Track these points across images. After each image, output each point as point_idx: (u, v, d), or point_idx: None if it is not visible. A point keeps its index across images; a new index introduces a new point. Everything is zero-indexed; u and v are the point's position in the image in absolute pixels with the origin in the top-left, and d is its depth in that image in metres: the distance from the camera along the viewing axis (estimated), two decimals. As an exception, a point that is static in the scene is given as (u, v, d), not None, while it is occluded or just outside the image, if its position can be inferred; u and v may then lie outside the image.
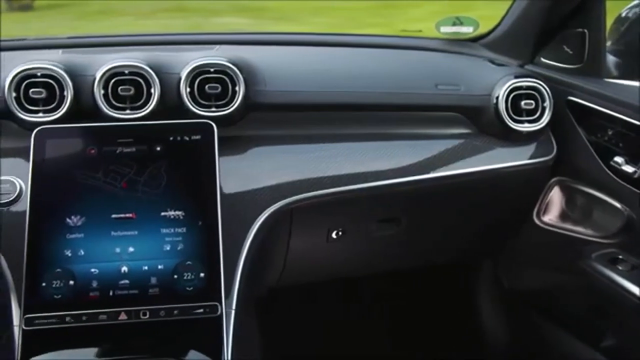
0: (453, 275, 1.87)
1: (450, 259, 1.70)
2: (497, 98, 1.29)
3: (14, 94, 1.16)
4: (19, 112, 1.16)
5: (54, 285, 1.04)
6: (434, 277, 1.87)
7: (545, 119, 1.30)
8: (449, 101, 1.32)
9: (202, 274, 1.07)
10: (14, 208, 1.11)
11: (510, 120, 1.29)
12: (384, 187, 1.24)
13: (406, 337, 1.90)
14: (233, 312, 1.08)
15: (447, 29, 1.53)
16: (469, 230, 1.50)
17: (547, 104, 1.30)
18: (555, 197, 1.40)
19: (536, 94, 1.30)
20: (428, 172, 1.27)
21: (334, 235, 1.33)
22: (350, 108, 1.30)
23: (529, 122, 1.30)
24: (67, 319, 1.03)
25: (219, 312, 1.05)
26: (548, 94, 1.30)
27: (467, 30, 1.53)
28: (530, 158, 1.33)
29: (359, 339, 1.88)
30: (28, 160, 1.12)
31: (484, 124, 1.32)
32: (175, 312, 1.05)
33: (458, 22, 1.52)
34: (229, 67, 1.20)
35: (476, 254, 1.71)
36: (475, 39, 1.55)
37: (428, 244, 1.53)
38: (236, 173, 1.18)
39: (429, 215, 1.42)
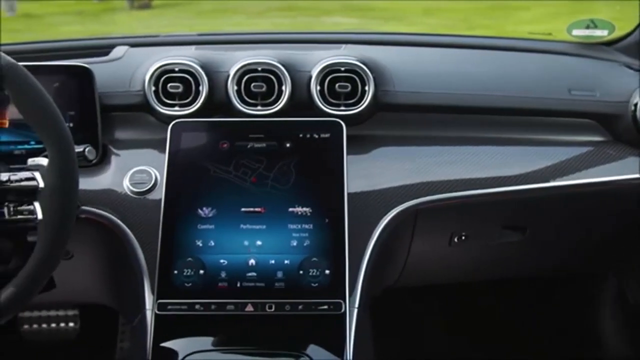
0: (573, 286, 1.80)
1: (573, 270, 1.64)
2: (636, 105, 1.23)
3: (153, 88, 1.21)
4: (157, 105, 1.21)
5: (184, 274, 1.08)
6: (553, 286, 1.81)
7: (689, 128, 1.23)
8: (583, 107, 1.28)
9: (327, 271, 1.08)
10: (149, 197, 1.16)
11: (650, 129, 1.23)
12: (512, 193, 1.21)
13: (519, 346, 1.85)
14: (356, 310, 1.08)
15: (579, 32, 1.47)
16: (597, 241, 1.44)
17: (690, 112, 1.23)
18: (693, 211, 1.32)
19: (680, 102, 1.23)
20: (558, 180, 1.23)
21: (456, 239, 1.31)
22: (479, 111, 1.27)
23: (670, 131, 1.23)
24: (197, 306, 1.07)
25: (342, 310, 1.06)
26: None
27: (601, 33, 1.46)
28: (668, 169, 1.26)
29: (470, 345, 1.85)
30: (163, 152, 1.17)
31: (619, 132, 1.27)
32: (300, 307, 1.06)
33: (592, 24, 1.45)
34: (359, 67, 1.21)
35: (602, 266, 1.64)
36: (609, 43, 1.48)
37: (552, 253, 1.48)
38: (363, 172, 1.18)
39: (556, 225, 1.37)
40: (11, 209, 0.97)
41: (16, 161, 1.07)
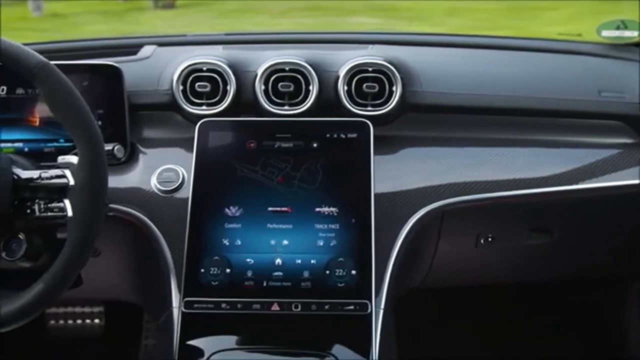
0: (599, 289, 1.78)
1: (600, 273, 1.62)
2: (667, 107, 1.22)
3: (181, 87, 1.22)
4: (184, 104, 1.22)
5: (211, 272, 1.09)
6: (578, 289, 1.79)
7: None
8: (612, 109, 1.26)
9: (353, 271, 1.08)
10: (176, 195, 1.17)
11: (680, 132, 1.21)
12: (539, 195, 1.20)
13: (543, 349, 1.83)
14: (382, 311, 1.08)
15: (609, 33, 1.45)
16: (625, 244, 1.42)
17: None
18: None
19: None
20: (586, 182, 1.22)
21: (482, 240, 1.30)
22: (507, 112, 1.26)
23: (701, 134, 1.21)
24: (223, 305, 1.07)
25: (369, 310, 1.06)
26: None
27: (631, 34, 1.44)
28: (699, 173, 1.24)
29: (492, 347, 1.83)
30: (190, 151, 1.17)
31: (649, 134, 1.25)
32: (326, 307, 1.06)
33: (622, 25, 1.44)
34: (386, 67, 1.21)
35: (628, 269, 1.62)
36: (639, 44, 1.46)
37: (580, 256, 1.46)
38: (389, 173, 1.18)
39: (584, 227, 1.36)
40: (42, 206, 0.98)
41: (46, 159, 1.08)
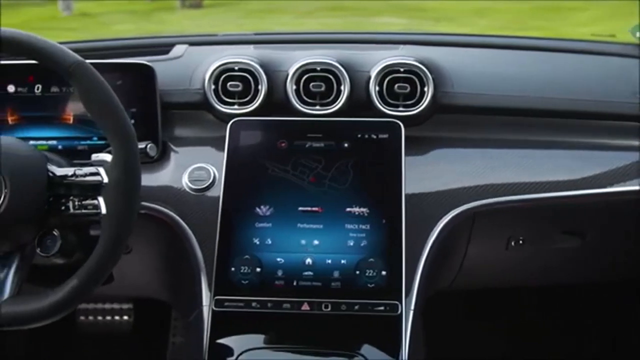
0: (631, 293, 1.75)
1: (631, 277, 1.60)
2: (703, 109, 1.20)
3: (212, 87, 1.22)
4: (216, 103, 1.22)
5: (242, 271, 1.09)
6: (607, 293, 1.77)
7: None
8: None
9: (383, 272, 1.08)
10: (207, 194, 1.17)
11: None
12: (571, 197, 1.19)
13: (572, 353, 1.81)
14: (412, 312, 1.08)
15: (643, 34, 1.43)
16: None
17: None
18: None
19: None
20: (619, 185, 1.20)
21: (513, 243, 1.29)
22: (539, 114, 1.25)
23: None
24: (253, 304, 1.07)
25: (399, 311, 1.06)
26: None
27: (666, 35, 1.43)
28: None
29: (518, 351, 1.82)
30: (221, 150, 1.18)
31: (685, 136, 1.23)
32: (356, 307, 1.06)
33: (657, 26, 1.42)
34: (418, 67, 1.20)
35: None
36: (675, 45, 1.44)
37: (612, 260, 1.45)
38: (420, 174, 1.17)
39: (616, 230, 1.34)
40: (76, 203, 0.99)
41: (79, 156, 1.10)
